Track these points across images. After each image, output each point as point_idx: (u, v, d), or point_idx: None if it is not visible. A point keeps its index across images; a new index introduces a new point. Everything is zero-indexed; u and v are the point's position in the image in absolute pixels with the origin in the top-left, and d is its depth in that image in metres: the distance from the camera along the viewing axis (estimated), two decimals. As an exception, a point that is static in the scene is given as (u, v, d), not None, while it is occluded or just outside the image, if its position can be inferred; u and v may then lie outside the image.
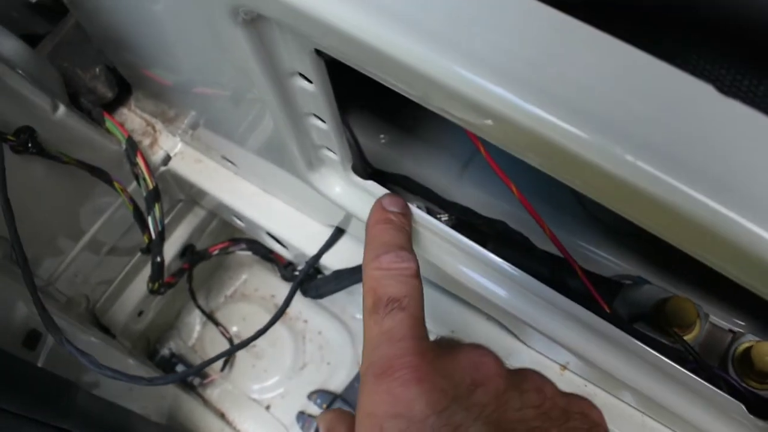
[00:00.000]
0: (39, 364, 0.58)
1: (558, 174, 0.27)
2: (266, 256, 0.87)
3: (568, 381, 0.55)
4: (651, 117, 0.23)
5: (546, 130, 0.24)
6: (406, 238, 0.41)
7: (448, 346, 0.35)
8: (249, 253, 0.88)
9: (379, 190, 0.49)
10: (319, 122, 0.43)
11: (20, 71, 0.56)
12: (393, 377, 0.32)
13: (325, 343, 0.98)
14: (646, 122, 0.23)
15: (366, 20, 0.26)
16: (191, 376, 0.93)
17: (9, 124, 0.54)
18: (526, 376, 0.34)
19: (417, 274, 0.38)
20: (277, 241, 0.71)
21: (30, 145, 0.55)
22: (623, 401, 0.54)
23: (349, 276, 0.60)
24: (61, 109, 0.58)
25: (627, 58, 0.24)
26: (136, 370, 0.78)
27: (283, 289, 1.01)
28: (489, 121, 0.26)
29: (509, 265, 0.47)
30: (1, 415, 0.48)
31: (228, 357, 0.96)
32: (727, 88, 0.29)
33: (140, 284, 0.83)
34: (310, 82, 0.38)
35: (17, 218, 0.50)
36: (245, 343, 0.60)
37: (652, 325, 0.48)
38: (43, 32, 0.71)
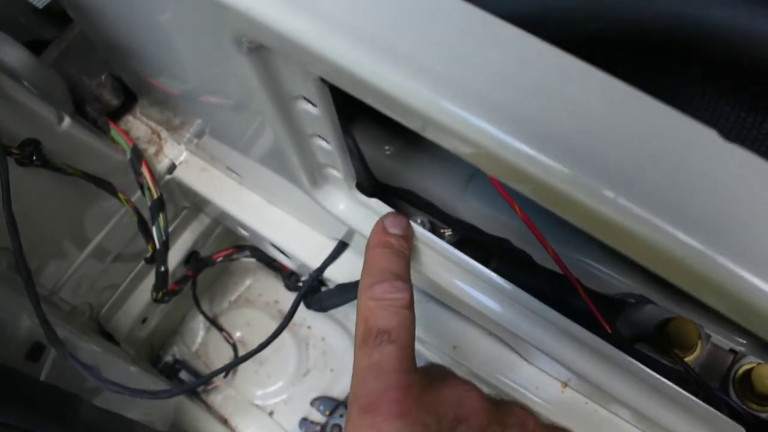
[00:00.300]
0: (43, 376, 0.58)
1: (550, 207, 0.27)
2: (270, 264, 0.87)
3: (570, 398, 0.55)
4: (648, 164, 0.23)
5: (537, 169, 0.24)
6: (404, 264, 0.42)
7: (437, 377, 0.36)
8: (253, 259, 0.88)
9: (384, 209, 0.49)
10: (323, 143, 0.43)
11: (25, 82, 0.57)
12: (377, 411, 0.32)
13: (329, 350, 0.99)
14: (640, 168, 0.23)
15: (361, 56, 0.26)
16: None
17: (14, 137, 0.54)
18: (509, 411, 0.35)
19: (410, 305, 0.38)
20: (281, 251, 0.71)
21: (35, 157, 0.55)
22: (624, 419, 0.54)
23: (353, 290, 0.60)
24: (66, 120, 0.59)
25: (627, 100, 0.24)
26: (138, 378, 0.78)
27: (287, 294, 1.01)
28: (473, 151, 0.26)
29: (510, 284, 0.47)
30: (5, 430, 0.48)
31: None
32: (731, 125, 0.29)
33: (144, 291, 0.84)
34: (315, 105, 0.38)
35: (21, 229, 0.50)
36: (249, 356, 0.60)
37: (653, 346, 0.48)
38: (50, 38, 0.71)
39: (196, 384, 0.63)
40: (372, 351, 0.36)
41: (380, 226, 0.43)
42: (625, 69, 0.30)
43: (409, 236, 0.44)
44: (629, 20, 0.26)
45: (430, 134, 0.29)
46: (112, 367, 0.72)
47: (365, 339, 0.37)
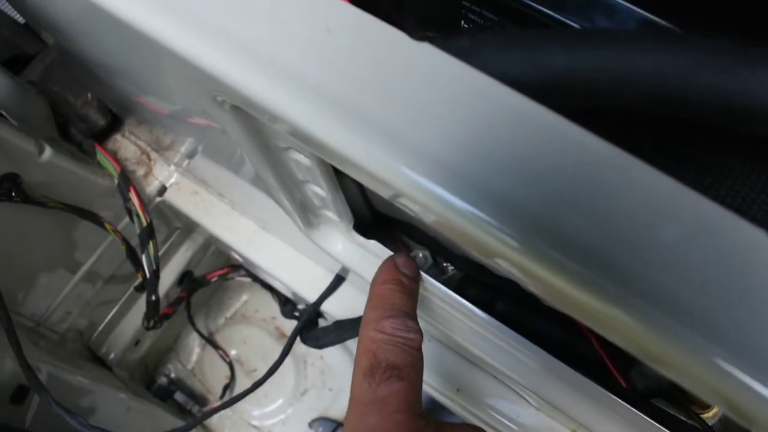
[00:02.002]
0: (28, 418, 0.56)
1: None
2: (266, 284, 0.84)
3: (579, 445, 0.52)
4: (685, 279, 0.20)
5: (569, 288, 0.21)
6: (414, 306, 0.38)
7: (443, 425, 0.33)
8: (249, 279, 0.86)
9: (384, 252, 0.46)
10: (317, 189, 0.40)
11: (3, 111, 0.54)
12: None
13: (327, 368, 0.96)
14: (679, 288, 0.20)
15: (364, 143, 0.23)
16: (190, 406, 0.91)
17: (-9, 172, 0.51)
18: None
19: (420, 348, 0.36)
20: (276, 279, 0.68)
21: (14, 193, 0.52)
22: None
23: (351, 327, 0.57)
24: (47, 150, 0.55)
25: (659, 193, 0.21)
26: (129, 404, 0.75)
27: (284, 310, 0.98)
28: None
29: (516, 335, 0.44)
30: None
31: (228, 383, 0.94)
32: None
33: (137, 314, 0.81)
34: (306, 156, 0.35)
35: (1, 266, 0.48)
36: (244, 394, 0.57)
37: (670, 400, 0.45)
38: (33, 52, 0.68)
39: (189, 426, 0.60)
40: (379, 385, 0.33)
41: (391, 263, 0.40)
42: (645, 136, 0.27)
43: (418, 281, 0.41)
44: (664, 95, 0.23)
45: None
46: (103, 396, 0.70)
47: (372, 371, 0.33)
